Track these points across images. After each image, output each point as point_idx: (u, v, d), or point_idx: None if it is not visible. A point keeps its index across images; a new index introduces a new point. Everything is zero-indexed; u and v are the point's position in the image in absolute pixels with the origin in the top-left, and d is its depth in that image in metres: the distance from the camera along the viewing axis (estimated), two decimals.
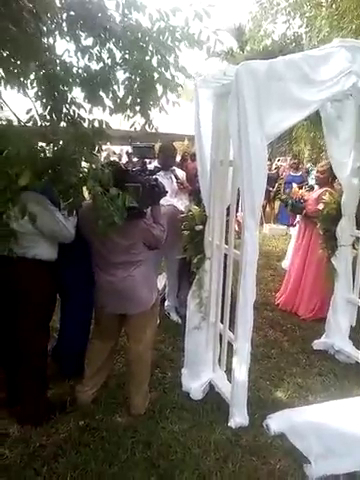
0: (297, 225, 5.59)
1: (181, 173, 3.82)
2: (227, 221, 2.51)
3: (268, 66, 1.97)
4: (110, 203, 1.74)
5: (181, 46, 2.08)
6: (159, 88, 2.15)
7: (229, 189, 2.43)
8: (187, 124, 7.86)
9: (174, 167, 3.76)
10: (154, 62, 2.11)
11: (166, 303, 4.04)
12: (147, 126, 2.23)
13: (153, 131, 2.31)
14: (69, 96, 2.22)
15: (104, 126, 2.09)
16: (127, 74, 2.16)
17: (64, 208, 2.04)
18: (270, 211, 9.57)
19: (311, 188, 5.73)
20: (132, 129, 2.40)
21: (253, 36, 5.43)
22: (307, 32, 5.08)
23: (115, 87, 2.15)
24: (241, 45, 13.14)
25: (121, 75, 2.21)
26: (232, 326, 2.52)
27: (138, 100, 2.11)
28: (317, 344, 3.42)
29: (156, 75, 2.09)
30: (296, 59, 2.04)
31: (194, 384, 2.73)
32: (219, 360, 2.76)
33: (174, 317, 3.97)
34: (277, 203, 9.07)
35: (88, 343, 2.71)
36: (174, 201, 3.50)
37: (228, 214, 2.51)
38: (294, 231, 5.74)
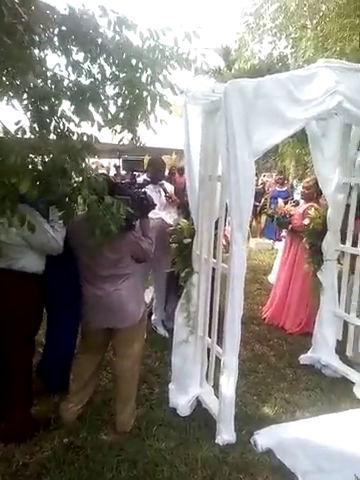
0: (283, 239, 5.67)
1: (170, 187, 3.85)
2: (215, 235, 2.53)
3: (255, 84, 2.02)
4: (106, 211, 1.75)
5: (170, 65, 2.12)
6: (148, 105, 2.18)
7: (217, 204, 2.45)
8: (175, 139, 7.94)
9: (163, 181, 3.80)
10: (144, 79, 2.15)
11: (153, 317, 4.01)
12: (134, 141, 2.26)
13: (141, 146, 2.33)
14: (59, 109, 2.24)
15: (93, 140, 2.11)
16: (117, 90, 2.19)
17: (53, 220, 2.03)
18: (256, 225, 9.67)
19: (297, 203, 5.83)
20: (121, 143, 2.43)
21: (240, 56, 5.57)
22: (293, 53, 5.25)
23: (105, 102, 2.17)
24: (228, 64, 13.45)
25: (111, 91, 2.25)
26: (220, 340, 2.51)
27: (127, 116, 2.13)
28: (304, 358, 3.43)
29: (145, 93, 2.12)
30: (282, 78, 2.10)
31: (181, 400, 2.69)
32: (207, 375, 2.73)
33: (161, 331, 3.94)
34: (263, 217, 9.18)
35: (74, 358, 2.66)
36: (163, 214, 3.51)
37: (216, 228, 2.53)
38: (280, 245, 5.80)
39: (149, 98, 2.08)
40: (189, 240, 2.67)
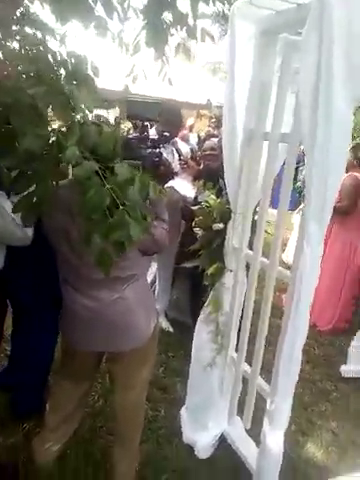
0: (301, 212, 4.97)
1: (185, 147, 2.94)
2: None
3: None
4: (118, 197, 0.91)
5: None
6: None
7: (273, 175, 1.64)
8: (182, 89, 6.76)
9: (176, 139, 2.88)
10: None
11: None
12: (159, 69, 1.40)
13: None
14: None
15: (87, 64, 1.23)
16: None
17: (17, 208, 1.17)
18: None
19: None
20: (131, 75, 1.57)
21: None
22: None
23: None
24: None
25: None
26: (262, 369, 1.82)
27: (149, 21, 1.26)
28: (346, 371, 2.76)
29: None
30: None
31: (200, 437, 2.02)
32: (238, 407, 2.03)
33: (164, 324, 3.23)
34: None
35: (52, 381, 1.93)
36: (176, 183, 2.65)
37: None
38: (297, 219, 5.06)
39: None
40: (221, 226, 1.87)
